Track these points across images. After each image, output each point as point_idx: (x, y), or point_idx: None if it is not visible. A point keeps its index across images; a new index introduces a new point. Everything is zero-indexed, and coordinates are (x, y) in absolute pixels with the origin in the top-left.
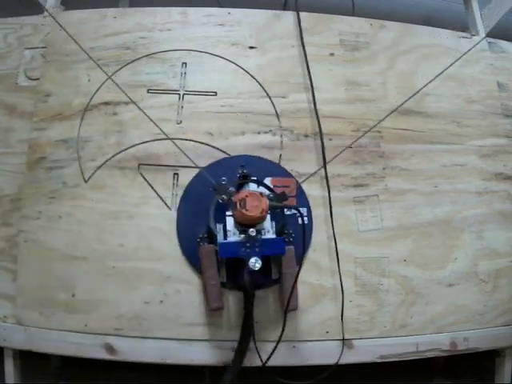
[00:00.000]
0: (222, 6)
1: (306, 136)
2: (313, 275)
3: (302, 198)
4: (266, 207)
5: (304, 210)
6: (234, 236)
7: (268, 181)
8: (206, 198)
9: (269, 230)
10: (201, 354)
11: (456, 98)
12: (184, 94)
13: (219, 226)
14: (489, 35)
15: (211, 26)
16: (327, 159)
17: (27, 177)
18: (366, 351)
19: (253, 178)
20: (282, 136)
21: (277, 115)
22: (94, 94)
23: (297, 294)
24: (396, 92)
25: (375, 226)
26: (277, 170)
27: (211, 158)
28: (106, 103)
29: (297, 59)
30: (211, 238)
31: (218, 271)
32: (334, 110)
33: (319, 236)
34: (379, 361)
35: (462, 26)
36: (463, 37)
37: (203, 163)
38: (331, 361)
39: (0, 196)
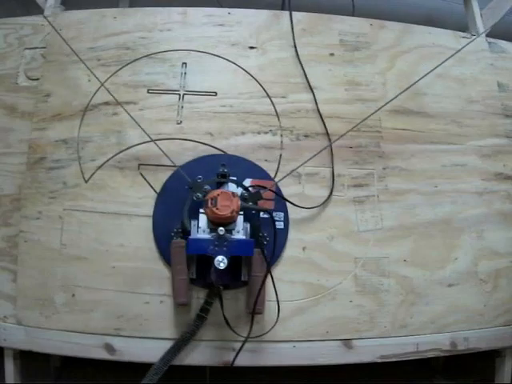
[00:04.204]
0: (222, 6)
1: (306, 136)
2: (313, 275)
3: (280, 202)
4: (236, 207)
5: (280, 215)
6: (203, 233)
7: (247, 182)
8: (183, 195)
9: (239, 231)
10: (201, 354)
11: (456, 98)
12: (184, 94)
13: (194, 223)
14: (489, 35)
15: (211, 26)
16: (327, 159)
17: (27, 177)
18: (366, 351)
19: (232, 178)
20: (281, 136)
21: (277, 115)
22: (94, 94)
23: (264, 298)
24: (396, 92)
25: (375, 225)
26: (256, 170)
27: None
28: (106, 103)
29: (297, 59)
30: (184, 233)
31: (187, 267)
32: (334, 109)
33: (319, 236)
34: (379, 361)
35: (462, 26)
36: (463, 37)
37: None
38: (331, 361)
39: (0, 196)
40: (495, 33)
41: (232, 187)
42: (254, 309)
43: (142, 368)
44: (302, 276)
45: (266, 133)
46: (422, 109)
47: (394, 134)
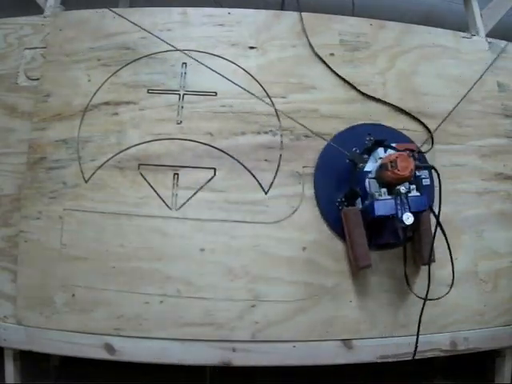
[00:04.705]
0: (221, 6)
1: (306, 136)
2: (313, 275)
3: (423, 162)
4: (413, 167)
5: (426, 173)
6: (383, 196)
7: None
8: (336, 167)
9: (413, 189)
10: (201, 354)
11: (456, 98)
12: (184, 94)
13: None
14: (489, 35)
15: (211, 26)
16: None
17: (27, 177)
18: (365, 351)
19: (386, 144)
20: (282, 136)
21: (277, 115)
22: (94, 94)
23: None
24: (396, 92)
25: None
26: (398, 136)
27: (212, 158)
28: (107, 103)
29: (297, 59)
30: (350, 202)
31: (364, 231)
32: (333, 109)
33: (318, 234)
34: (379, 361)
35: (463, 25)
36: (463, 37)
37: (203, 163)
38: (331, 361)
39: (0, 196)
40: (495, 33)
41: (381, 152)
42: (430, 258)
43: (141, 368)
44: (302, 276)
45: (266, 133)
46: (421, 109)
47: None
